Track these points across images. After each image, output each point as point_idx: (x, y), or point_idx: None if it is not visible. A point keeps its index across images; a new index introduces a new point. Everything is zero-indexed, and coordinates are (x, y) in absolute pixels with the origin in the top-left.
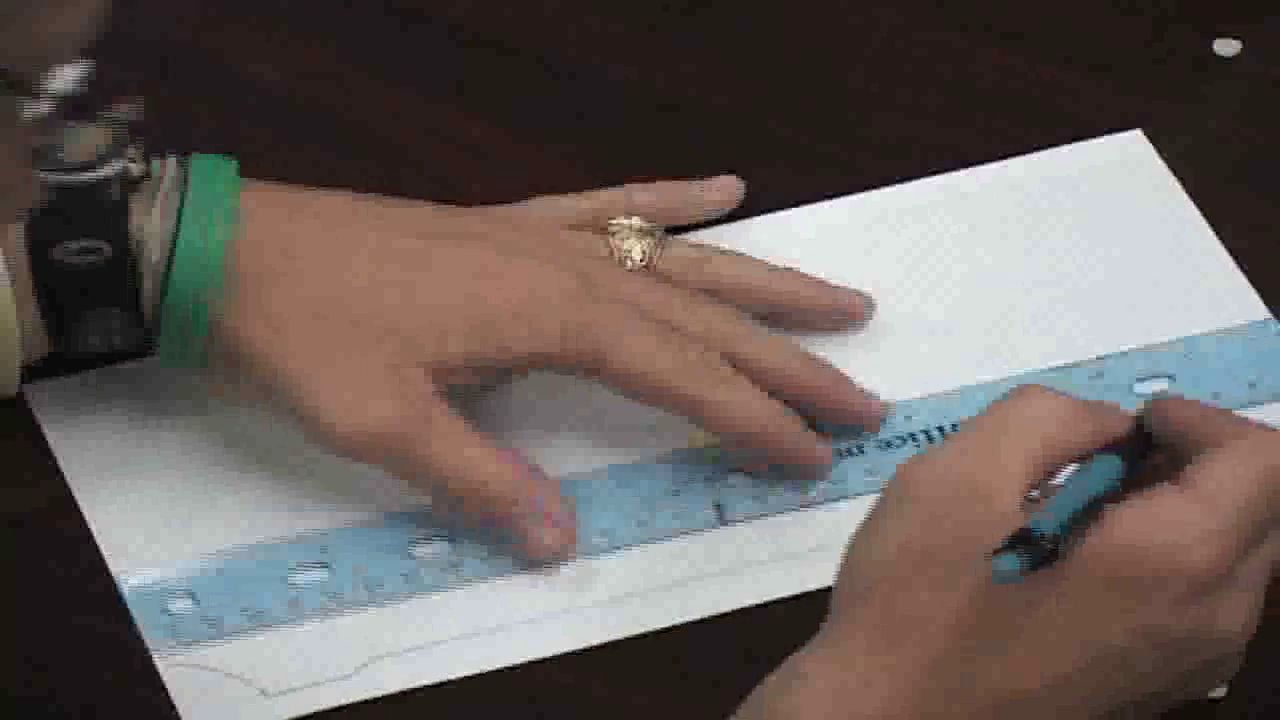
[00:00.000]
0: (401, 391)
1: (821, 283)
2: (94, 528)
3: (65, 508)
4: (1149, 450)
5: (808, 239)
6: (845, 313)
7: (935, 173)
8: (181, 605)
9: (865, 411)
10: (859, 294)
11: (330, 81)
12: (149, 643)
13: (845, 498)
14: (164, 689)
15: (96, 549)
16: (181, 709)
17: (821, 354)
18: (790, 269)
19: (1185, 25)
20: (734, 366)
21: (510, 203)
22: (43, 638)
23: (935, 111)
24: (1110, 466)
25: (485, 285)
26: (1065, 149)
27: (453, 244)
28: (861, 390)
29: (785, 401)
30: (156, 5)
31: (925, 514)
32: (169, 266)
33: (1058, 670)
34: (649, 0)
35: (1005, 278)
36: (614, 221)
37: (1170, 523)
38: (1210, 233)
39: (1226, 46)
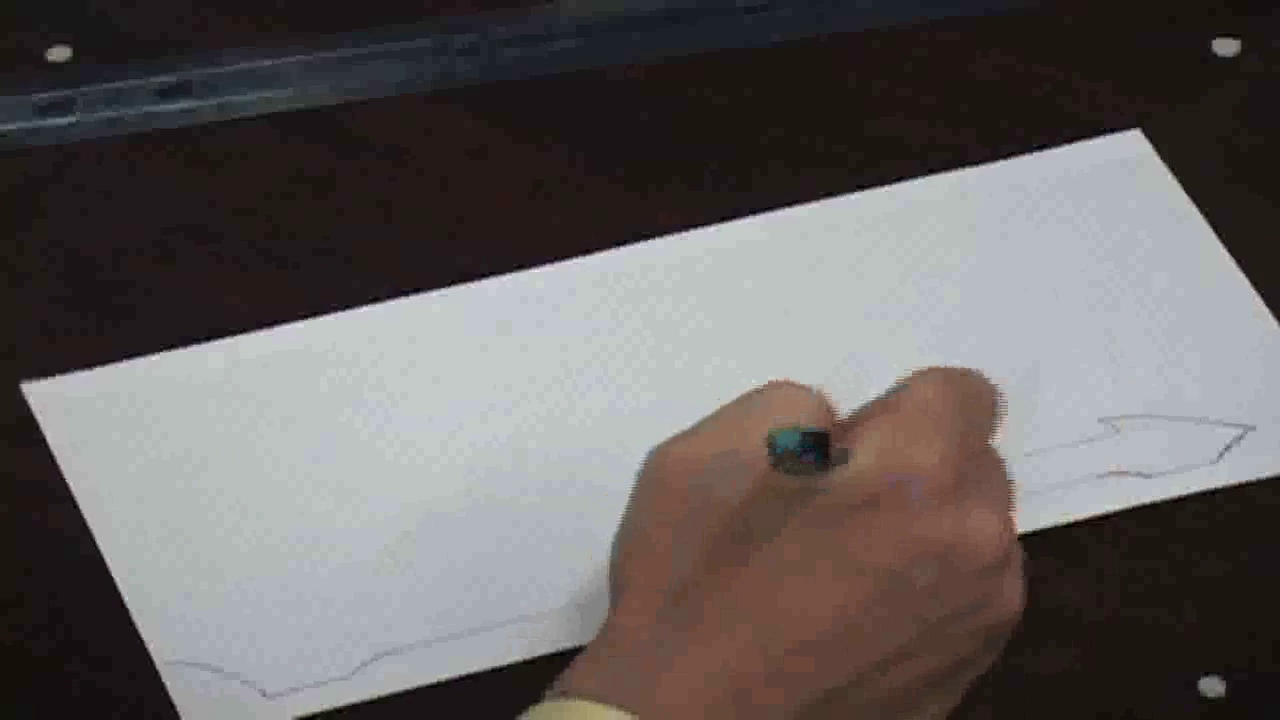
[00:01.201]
0: None
1: None
2: (93, 527)
3: (65, 508)
4: None
5: (807, 239)
6: None
7: (935, 173)
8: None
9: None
10: None
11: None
12: (146, 641)
13: None
14: (164, 689)
15: (96, 548)
16: (181, 709)
17: (821, 353)
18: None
19: (1185, 25)
20: None
21: (511, 203)
22: (42, 637)
23: (935, 111)
24: (787, 435)
25: None
26: (1065, 149)
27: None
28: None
29: None
30: (156, 5)
31: (680, 489)
32: None
33: (841, 605)
34: (649, 0)
35: (1005, 278)
36: None
37: (893, 437)
38: (1210, 232)
39: (1226, 46)
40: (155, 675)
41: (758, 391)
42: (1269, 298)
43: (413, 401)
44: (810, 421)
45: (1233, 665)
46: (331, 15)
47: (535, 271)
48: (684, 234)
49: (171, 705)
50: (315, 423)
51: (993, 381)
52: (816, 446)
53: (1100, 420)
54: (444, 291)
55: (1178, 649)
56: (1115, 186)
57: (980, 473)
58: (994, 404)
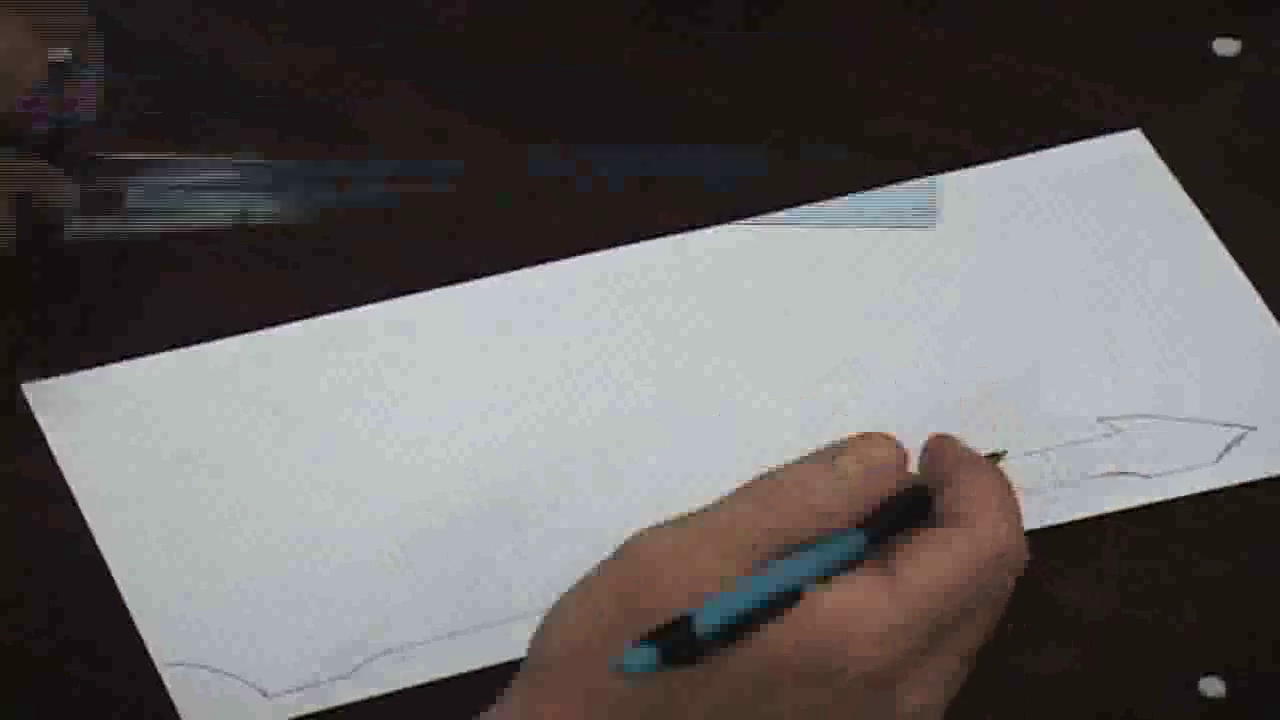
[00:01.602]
0: None
1: None
2: (93, 527)
3: (65, 508)
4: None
5: (807, 239)
6: None
7: (935, 173)
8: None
9: None
10: None
11: (330, 81)
12: (146, 641)
13: None
14: (164, 689)
15: (96, 548)
16: (182, 709)
17: (821, 353)
18: None
19: (1185, 25)
20: None
21: (512, 203)
22: (42, 638)
23: (935, 111)
24: (840, 545)
25: None
26: (1065, 149)
27: None
28: None
29: None
30: (156, 5)
31: (625, 587)
32: None
33: None
34: (649, 0)
35: (1005, 278)
36: None
37: (853, 615)
38: (1210, 232)
39: (1226, 46)
40: (155, 675)
41: (744, 493)
42: (1269, 298)
43: (412, 401)
44: (799, 524)
45: (1233, 665)
46: (331, 15)
47: (535, 271)
48: (684, 234)
49: (171, 705)
50: (315, 422)
51: (1024, 549)
52: (665, 649)
53: (1100, 420)
54: (444, 291)
55: (1178, 649)
56: (1115, 186)
57: (944, 645)
58: (1015, 574)
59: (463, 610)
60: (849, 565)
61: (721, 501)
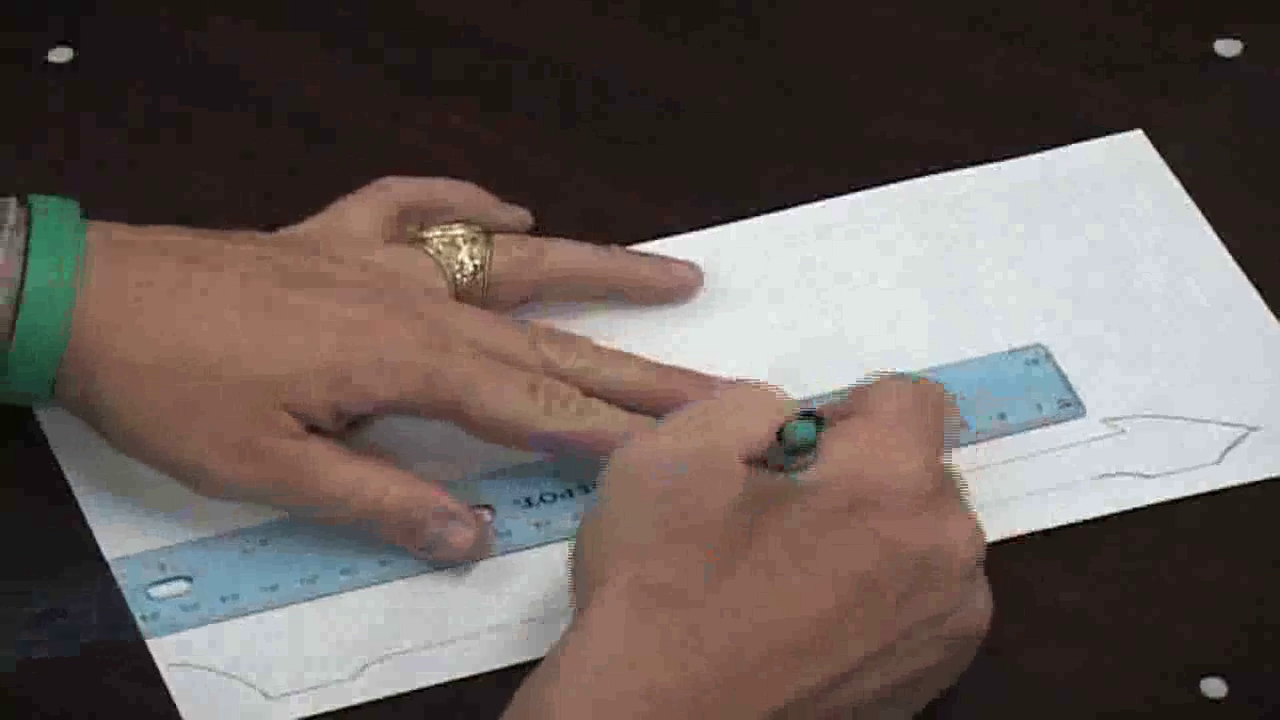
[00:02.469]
0: (272, 434)
1: (653, 259)
2: (93, 527)
3: (65, 507)
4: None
5: (807, 239)
6: (683, 285)
7: (935, 173)
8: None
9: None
10: (692, 266)
11: (331, 82)
12: (147, 643)
13: None
14: (165, 691)
15: (96, 548)
16: (183, 710)
17: (821, 353)
18: (616, 247)
19: (1186, 25)
20: (589, 390)
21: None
22: (44, 639)
23: (935, 111)
24: (806, 427)
25: (344, 338)
26: (1066, 149)
27: (306, 293)
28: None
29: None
30: (156, 5)
31: (658, 489)
32: (17, 312)
33: (817, 611)
34: (649, 0)
35: (1005, 277)
36: (433, 234)
37: (873, 444)
38: (1211, 233)
39: (1228, 46)
40: (157, 677)
41: (726, 395)
42: (1270, 298)
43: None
44: (767, 415)
45: (1234, 666)
46: (331, 15)
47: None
48: (684, 234)
49: (173, 706)
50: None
51: (946, 390)
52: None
53: (1102, 420)
54: None
55: (1179, 649)
56: (1116, 187)
57: (951, 482)
58: (950, 411)
59: (463, 614)
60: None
61: (689, 409)
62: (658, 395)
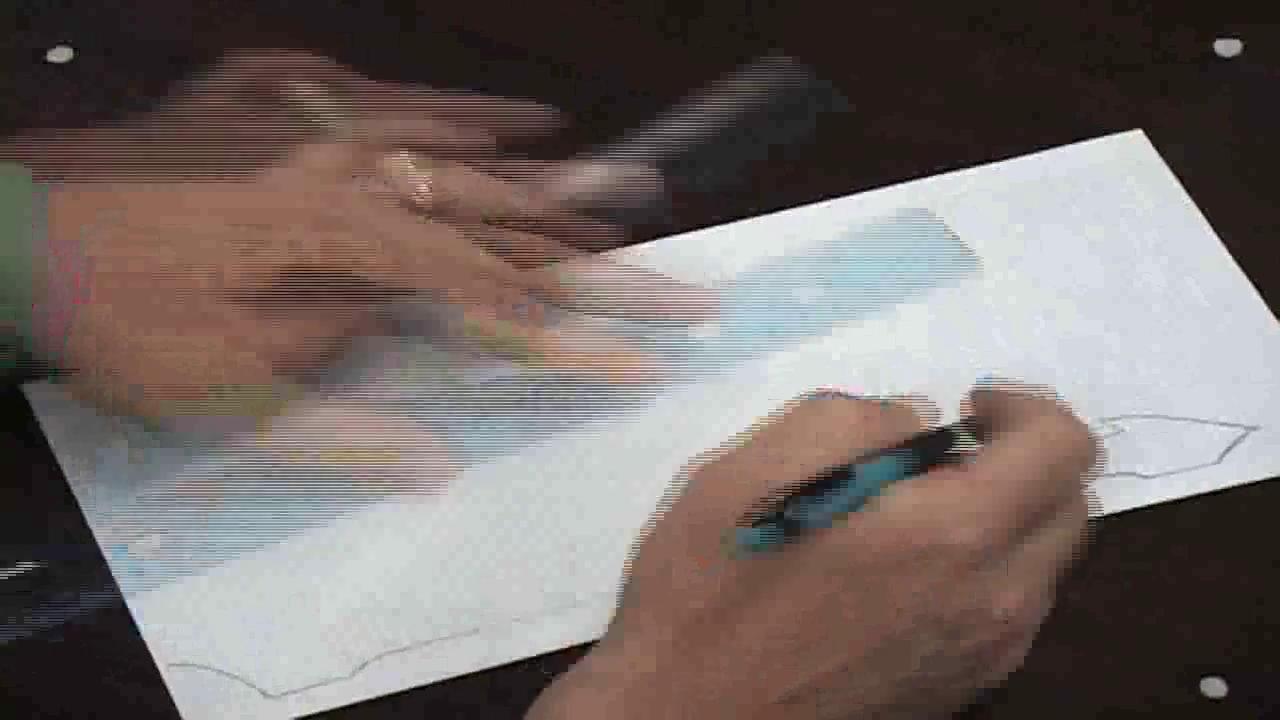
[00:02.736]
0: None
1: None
2: (93, 527)
3: (65, 507)
4: (952, 444)
5: (807, 239)
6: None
7: (935, 173)
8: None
9: (692, 305)
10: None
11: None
12: (147, 642)
13: None
14: (165, 690)
15: (96, 548)
16: (183, 710)
17: (821, 353)
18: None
19: (1186, 25)
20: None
21: None
22: (43, 638)
23: (935, 111)
24: (887, 465)
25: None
26: (1066, 149)
27: (272, 230)
28: (684, 287)
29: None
30: (156, 5)
31: (715, 517)
32: None
33: (835, 664)
34: (649, 0)
35: (1006, 277)
36: (386, 161)
37: (937, 503)
38: (1211, 232)
39: (1228, 46)
40: (156, 676)
41: (800, 409)
42: (1270, 298)
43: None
44: (853, 439)
45: (1234, 665)
46: (331, 15)
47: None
48: (684, 234)
49: (173, 706)
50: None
51: (1099, 443)
52: (781, 529)
53: (1101, 420)
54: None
55: (1179, 649)
56: (1116, 186)
57: (1028, 541)
58: (1093, 466)
59: (461, 612)
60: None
61: (769, 425)
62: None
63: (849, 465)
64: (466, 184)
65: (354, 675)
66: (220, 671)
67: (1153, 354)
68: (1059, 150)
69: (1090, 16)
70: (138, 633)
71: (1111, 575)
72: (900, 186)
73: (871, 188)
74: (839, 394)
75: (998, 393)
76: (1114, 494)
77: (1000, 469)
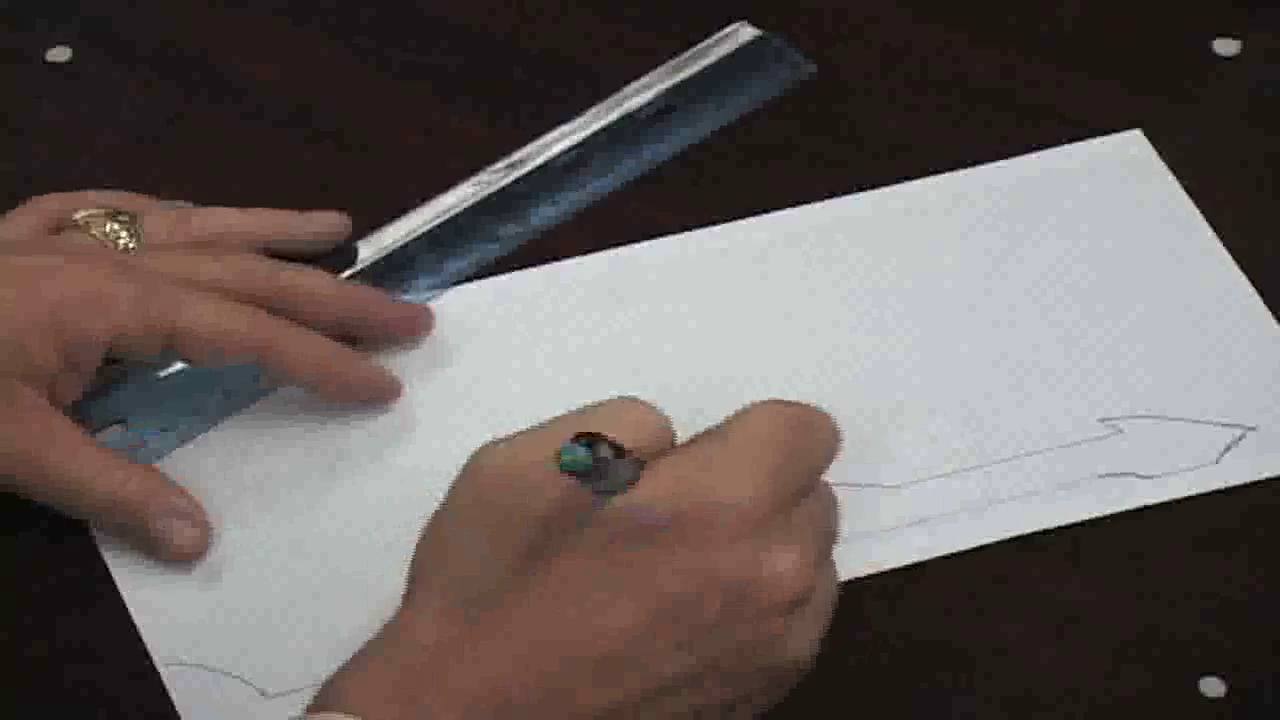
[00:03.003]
0: (12, 409)
1: (295, 214)
2: (93, 528)
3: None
4: None
5: (807, 239)
6: (324, 233)
7: (935, 173)
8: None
9: (409, 318)
10: (341, 217)
11: (330, 81)
12: (146, 641)
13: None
14: (164, 690)
15: (96, 549)
16: (181, 709)
17: (821, 353)
18: (266, 210)
19: (1185, 25)
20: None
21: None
22: (42, 638)
23: (935, 111)
24: (576, 450)
25: (43, 285)
26: (1065, 149)
27: None
28: (400, 303)
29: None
30: (156, 5)
31: (492, 496)
32: None
33: (620, 628)
34: (649, 1)
35: (1005, 278)
36: (81, 214)
37: (706, 463)
38: (1210, 232)
39: (1226, 46)
40: (155, 676)
41: (600, 404)
42: (1269, 297)
43: (412, 402)
44: (648, 443)
45: (1232, 665)
46: (331, 15)
47: (533, 271)
48: (684, 234)
49: (171, 706)
50: (310, 423)
51: (833, 421)
52: (599, 469)
53: (1100, 420)
54: (441, 293)
55: (1177, 649)
56: (1115, 186)
57: (797, 512)
58: (830, 441)
59: None
60: None
61: (555, 418)
62: (347, 310)
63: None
64: (167, 222)
65: None
66: (218, 670)
67: (1151, 354)
68: (1057, 150)
69: (1090, 16)
70: (135, 631)
71: (1110, 575)
72: (898, 187)
73: (871, 188)
74: (633, 400)
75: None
76: (1112, 494)
77: (749, 429)
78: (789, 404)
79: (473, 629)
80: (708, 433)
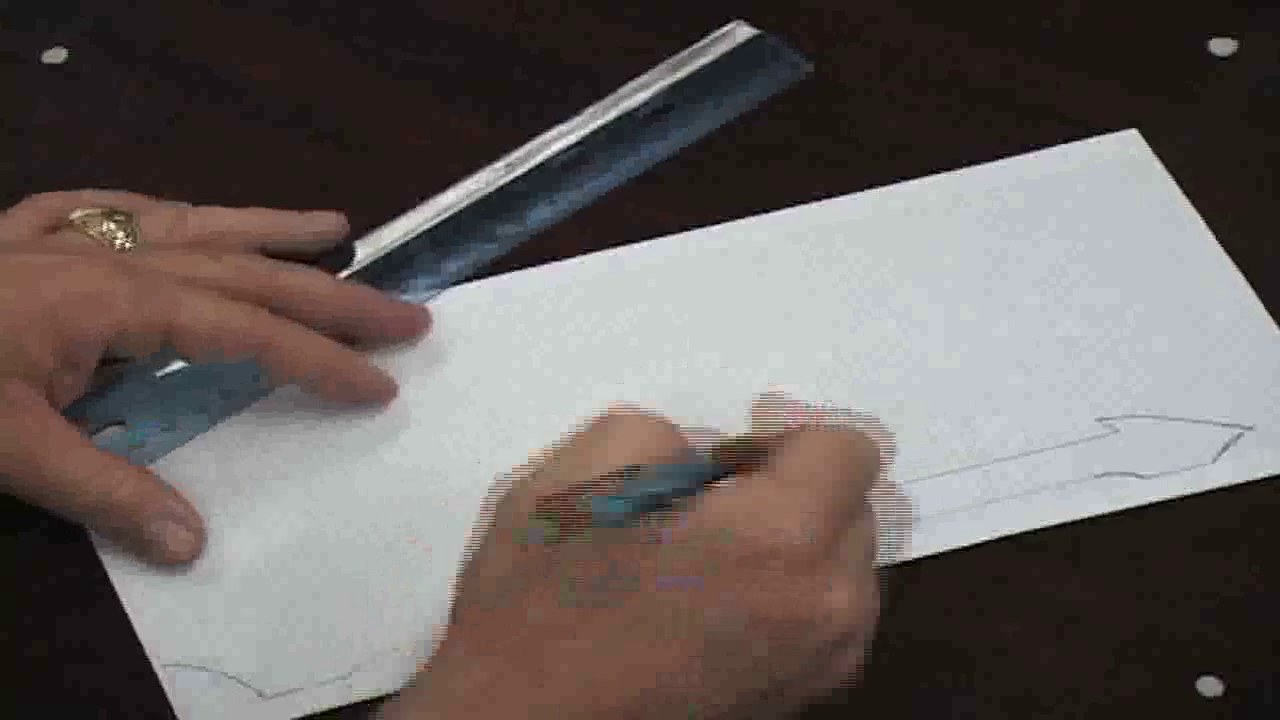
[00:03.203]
0: (10, 409)
1: (295, 215)
2: (91, 529)
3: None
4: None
5: (807, 239)
6: (322, 234)
7: (935, 173)
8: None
9: (407, 318)
10: (339, 216)
11: (330, 81)
12: (144, 642)
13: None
14: (162, 691)
15: (94, 551)
16: (179, 710)
17: (821, 353)
18: (266, 209)
19: (1182, 24)
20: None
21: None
22: (41, 639)
23: (935, 111)
24: (680, 470)
25: (42, 283)
26: (1063, 148)
27: None
28: (398, 303)
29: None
30: (156, 5)
31: (518, 518)
32: None
33: (664, 662)
34: (648, 1)
35: (1004, 277)
36: (78, 214)
37: (759, 503)
38: (1207, 232)
39: (1223, 45)
40: (154, 677)
41: (603, 422)
42: (1266, 297)
43: (410, 402)
44: (659, 450)
45: (1230, 665)
46: (331, 15)
47: (532, 271)
48: (683, 234)
49: (169, 707)
50: (309, 424)
51: (877, 439)
52: (643, 508)
53: (1098, 420)
54: (439, 293)
55: (1175, 648)
56: (1113, 186)
57: (846, 541)
58: (877, 461)
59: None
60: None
61: (571, 439)
62: (346, 308)
63: (652, 465)
64: (164, 221)
65: (350, 676)
66: (216, 672)
67: (1149, 353)
68: (1055, 149)
69: (1088, 16)
70: (134, 632)
71: (1108, 574)
72: (898, 186)
73: (871, 188)
74: (628, 413)
75: (777, 404)
76: (1110, 494)
77: (805, 465)
78: (838, 430)
79: (524, 672)
80: (758, 467)
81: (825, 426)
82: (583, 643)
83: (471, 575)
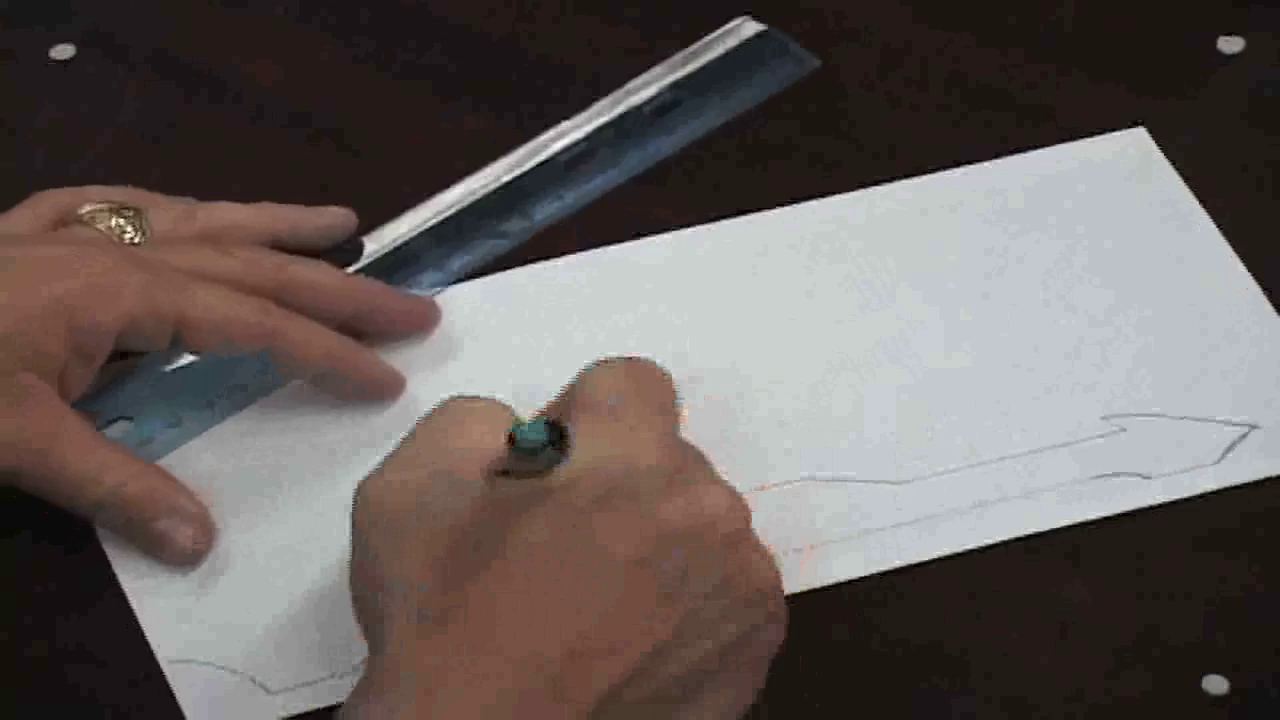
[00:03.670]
0: (21, 401)
1: (304, 209)
2: (96, 525)
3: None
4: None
5: (806, 237)
6: (330, 229)
7: (935, 172)
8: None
9: (416, 312)
10: (346, 214)
11: (331, 81)
12: (149, 639)
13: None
14: (168, 687)
15: (99, 546)
16: (185, 706)
17: (821, 353)
18: (270, 204)
19: (1189, 22)
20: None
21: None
22: (45, 637)
23: (935, 111)
24: (535, 427)
25: (52, 276)
26: (1068, 146)
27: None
28: (408, 297)
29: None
30: (157, 5)
31: (400, 519)
32: None
33: (600, 602)
34: (648, 1)
35: (1007, 276)
36: (86, 209)
37: (604, 431)
38: (1214, 230)
39: (1230, 43)
40: (157, 678)
41: (442, 409)
42: (1273, 295)
43: (416, 398)
44: (500, 427)
45: (1234, 667)
46: (331, 15)
47: (536, 267)
48: (685, 231)
49: (170, 708)
50: (314, 421)
51: (663, 369)
52: (557, 437)
53: (1103, 419)
54: (442, 289)
55: (1179, 650)
56: (1119, 184)
57: (690, 450)
58: (673, 391)
59: None
60: None
61: (417, 429)
62: (353, 301)
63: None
64: (173, 216)
65: (356, 670)
66: (222, 668)
67: (1155, 352)
68: (1061, 148)
69: (1092, 14)
70: (137, 632)
71: (1111, 574)
72: (898, 185)
73: (871, 187)
74: (466, 397)
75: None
76: (1114, 494)
77: (604, 396)
78: (629, 363)
79: (458, 649)
80: (571, 404)
81: (608, 361)
82: (502, 608)
83: (368, 579)
